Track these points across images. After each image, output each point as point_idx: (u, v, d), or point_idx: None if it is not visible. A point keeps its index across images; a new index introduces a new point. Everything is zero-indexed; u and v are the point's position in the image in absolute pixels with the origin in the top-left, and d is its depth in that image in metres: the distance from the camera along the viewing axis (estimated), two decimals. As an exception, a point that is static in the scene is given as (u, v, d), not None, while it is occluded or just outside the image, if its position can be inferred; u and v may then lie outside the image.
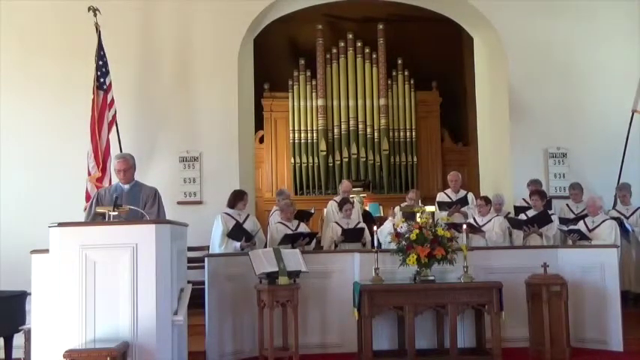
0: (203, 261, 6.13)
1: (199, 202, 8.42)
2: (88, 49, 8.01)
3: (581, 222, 7.21)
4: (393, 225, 6.50)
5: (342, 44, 13.01)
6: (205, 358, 5.85)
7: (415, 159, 12.89)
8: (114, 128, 8.02)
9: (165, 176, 8.12)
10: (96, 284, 4.15)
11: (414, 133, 12.96)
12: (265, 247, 6.75)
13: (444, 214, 7.72)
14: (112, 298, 4.14)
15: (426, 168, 13.05)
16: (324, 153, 12.71)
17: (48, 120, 8.32)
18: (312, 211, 8.25)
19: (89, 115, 7.81)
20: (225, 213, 6.96)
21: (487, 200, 7.49)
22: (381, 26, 12.89)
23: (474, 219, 7.47)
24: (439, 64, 12.90)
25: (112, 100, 7.99)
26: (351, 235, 7.15)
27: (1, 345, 5.80)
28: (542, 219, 7.23)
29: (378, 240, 6.75)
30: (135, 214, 4.86)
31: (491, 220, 7.35)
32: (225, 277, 6.09)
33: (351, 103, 12.90)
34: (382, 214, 11.11)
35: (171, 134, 8.51)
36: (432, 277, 5.93)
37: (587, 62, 8.97)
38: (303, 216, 7.60)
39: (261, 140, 12.89)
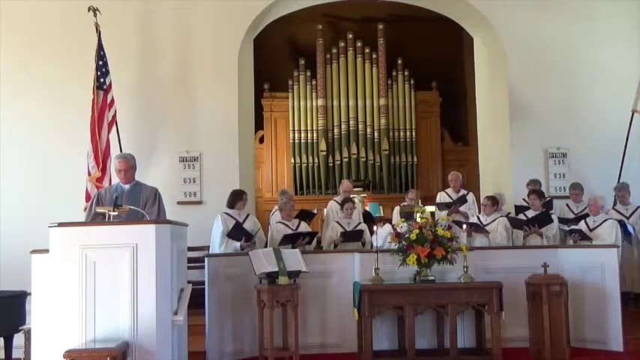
0: (203, 261, 6.13)
1: (199, 202, 8.43)
2: (88, 49, 8.02)
3: (582, 222, 7.21)
4: (393, 225, 6.49)
5: (342, 44, 13.00)
6: (205, 358, 5.85)
7: (415, 159, 12.88)
8: (114, 128, 8.03)
9: (166, 176, 8.13)
10: (96, 284, 4.15)
11: (414, 133, 12.95)
12: (265, 247, 6.75)
13: (444, 213, 7.73)
14: (112, 298, 4.15)
15: (426, 168, 13.04)
16: (324, 153, 12.71)
17: (48, 120, 8.33)
18: (315, 212, 8.25)
19: (89, 115, 7.82)
20: (225, 213, 6.96)
21: (493, 200, 7.47)
22: (381, 26, 12.88)
23: (478, 218, 7.47)
24: (439, 64, 12.90)
25: (112, 100, 8.00)
26: (350, 237, 7.14)
27: (1, 345, 5.81)
28: (543, 219, 7.23)
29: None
30: (135, 214, 4.86)
31: (495, 220, 7.34)
32: (225, 277, 6.08)
33: (351, 103, 12.89)
34: (382, 214, 11.11)
35: (171, 134, 8.51)
36: (432, 277, 5.94)
37: (587, 62, 8.98)
38: (305, 216, 7.60)
39: (261, 140, 12.88)
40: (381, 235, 7.17)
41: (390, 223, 7.32)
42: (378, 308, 5.81)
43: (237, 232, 6.72)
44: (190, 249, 5.60)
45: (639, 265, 7.61)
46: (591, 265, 6.35)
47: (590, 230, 7.01)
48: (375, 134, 12.83)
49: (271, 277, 5.70)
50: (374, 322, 5.85)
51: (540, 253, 6.44)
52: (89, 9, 7.78)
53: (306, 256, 6.12)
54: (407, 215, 6.84)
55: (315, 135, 12.78)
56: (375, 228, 6.38)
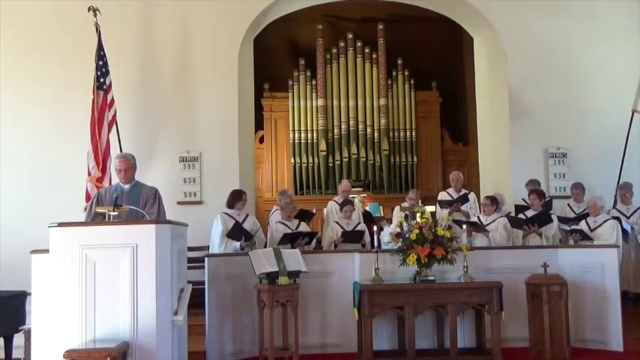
0: (203, 261, 6.14)
1: (199, 202, 8.43)
2: (88, 49, 8.01)
3: (583, 222, 7.20)
4: (401, 225, 6.48)
5: (342, 44, 12.99)
6: (205, 358, 5.86)
7: (415, 159, 12.88)
8: (114, 128, 8.03)
9: (165, 176, 8.13)
10: (96, 284, 4.15)
11: (414, 133, 12.95)
12: (265, 246, 6.75)
13: (445, 212, 7.72)
14: (112, 298, 4.15)
15: (426, 168, 13.04)
16: (324, 153, 12.70)
17: (48, 120, 8.33)
18: (314, 211, 8.25)
19: (89, 115, 7.82)
20: (225, 213, 6.96)
21: (493, 200, 7.46)
22: (381, 26, 12.88)
23: (478, 218, 7.47)
24: (439, 64, 12.89)
25: (112, 100, 7.99)
26: (351, 238, 7.14)
27: (1, 345, 5.81)
28: (543, 219, 7.23)
29: (379, 241, 6.75)
30: (135, 214, 4.86)
31: (495, 220, 7.33)
32: (225, 277, 6.09)
33: (351, 103, 12.89)
34: (382, 214, 11.11)
35: (171, 134, 8.51)
36: (432, 277, 5.94)
37: (587, 62, 8.98)
38: (305, 216, 7.60)
39: (261, 140, 12.88)
40: (388, 232, 7.18)
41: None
42: (378, 308, 5.81)
43: (236, 232, 6.72)
44: (190, 249, 5.60)
45: (636, 265, 7.61)
46: (591, 265, 6.36)
47: (591, 230, 7.00)
48: (375, 134, 12.83)
49: (271, 277, 5.70)
50: (374, 322, 5.85)
51: (540, 253, 6.45)
52: (89, 9, 7.78)
53: (306, 256, 6.13)
54: (411, 215, 6.84)
55: (315, 135, 12.77)
56: (374, 228, 6.37)
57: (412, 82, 13.03)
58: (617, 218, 7.35)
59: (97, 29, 7.89)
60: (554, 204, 8.06)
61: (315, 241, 7.28)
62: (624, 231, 7.43)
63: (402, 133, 12.96)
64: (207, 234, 7.08)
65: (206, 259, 6.09)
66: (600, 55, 8.99)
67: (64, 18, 8.41)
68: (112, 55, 8.01)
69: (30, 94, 8.36)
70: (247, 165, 8.99)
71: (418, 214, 6.24)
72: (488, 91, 9.90)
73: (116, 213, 4.68)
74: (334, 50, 13.02)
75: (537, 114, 8.87)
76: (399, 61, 13.00)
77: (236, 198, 7.00)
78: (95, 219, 5.03)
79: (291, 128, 12.85)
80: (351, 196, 8.32)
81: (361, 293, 5.74)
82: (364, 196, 11.37)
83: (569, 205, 8.10)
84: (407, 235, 5.95)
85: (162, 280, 4.22)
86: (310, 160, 12.73)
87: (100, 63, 7.92)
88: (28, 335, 4.89)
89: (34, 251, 4.70)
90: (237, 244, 6.73)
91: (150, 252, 4.20)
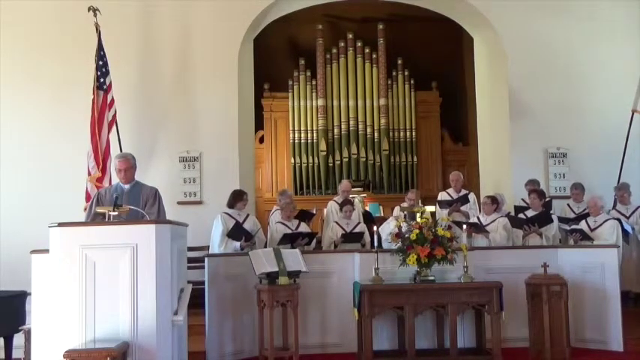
0: (203, 261, 6.14)
1: (199, 202, 8.43)
2: (88, 49, 8.02)
3: (583, 221, 7.20)
4: (396, 222, 6.49)
5: (342, 44, 12.99)
6: (205, 358, 5.86)
7: (415, 159, 12.88)
8: (114, 128, 8.03)
9: (165, 176, 8.14)
10: (96, 284, 4.15)
11: (414, 133, 12.95)
12: (265, 247, 6.75)
13: (445, 212, 7.72)
14: (112, 298, 4.15)
15: (426, 168, 13.04)
16: (324, 153, 12.70)
17: (48, 120, 8.33)
18: (314, 212, 8.25)
19: (89, 115, 7.82)
20: (225, 213, 6.96)
21: (493, 200, 7.46)
22: (381, 26, 12.88)
23: (478, 218, 7.46)
24: (439, 64, 12.89)
25: (112, 100, 8.00)
26: (351, 239, 7.14)
27: (1, 345, 5.81)
28: (543, 219, 7.23)
29: (379, 239, 6.75)
30: (135, 214, 4.86)
31: (495, 220, 7.33)
32: (225, 277, 6.09)
33: (351, 103, 12.89)
34: (382, 214, 11.11)
35: (171, 134, 8.51)
36: (432, 277, 5.94)
37: (587, 62, 8.98)
38: (305, 216, 7.59)
39: (261, 140, 12.88)
40: (386, 229, 7.18)
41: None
42: (378, 308, 5.81)
43: (236, 232, 6.72)
44: (190, 249, 5.60)
45: (637, 265, 7.61)
46: (591, 265, 6.36)
47: (591, 230, 7.01)
48: (375, 134, 12.83)
49: (271, 277, 5.70)
50: (374, 322, 5.85)
51: (540, 253, 6.45)
52: (89, 9, 7.78)
53: (306, 256, 6.13)
54: (410, 215, 6.85)
55: (315, 135, 12.77)
56: (374, 228, 6.38)
57: (412, 82, 13.03)
58: (618, 219, 7.35)
59: (97, 29, 7.89)
60: (554, 204, 8.07)
61: (315, 241, 7.27)
62: (625, 232, 7.44)
63: (402, 133, 12.96)
64: (207, 234, 7.08)
65: (206, 259, 6.09)
66: (600, 55, 9.00)
67: (64, 18, 8.41)
68: (112, 55, 8.01)
69: (30, 94, 8.36)
70: (247, 165, 8.99)
71: (418, 214, 6.24)
72: (488, 91, 9.90)
73: (116, 213, 4.68)
74: (334, 50, 13.02)
75: (537, 114, 8.87)
76: (399, 61, 12.99)
77: (237, 198, 7.00)
78: (95, 219, 5.03)
79: (291, 128, 12.85)
80: (351, 196, 8.31)
81: (361, 293, 5.74)
82: (364, 196, 11.37)
83: (569, 205, 8.10)
84: (407, 235, 5.95)
85: (163, 280, 4.22)
86: (310, 160, 12.73)
87: (100, 63, 7.92)
88: (28, 335, 4.89)
89: (34, 251, 4.70)
90: (238, 244, 6.73)
91: (150, 252, 4.20)
